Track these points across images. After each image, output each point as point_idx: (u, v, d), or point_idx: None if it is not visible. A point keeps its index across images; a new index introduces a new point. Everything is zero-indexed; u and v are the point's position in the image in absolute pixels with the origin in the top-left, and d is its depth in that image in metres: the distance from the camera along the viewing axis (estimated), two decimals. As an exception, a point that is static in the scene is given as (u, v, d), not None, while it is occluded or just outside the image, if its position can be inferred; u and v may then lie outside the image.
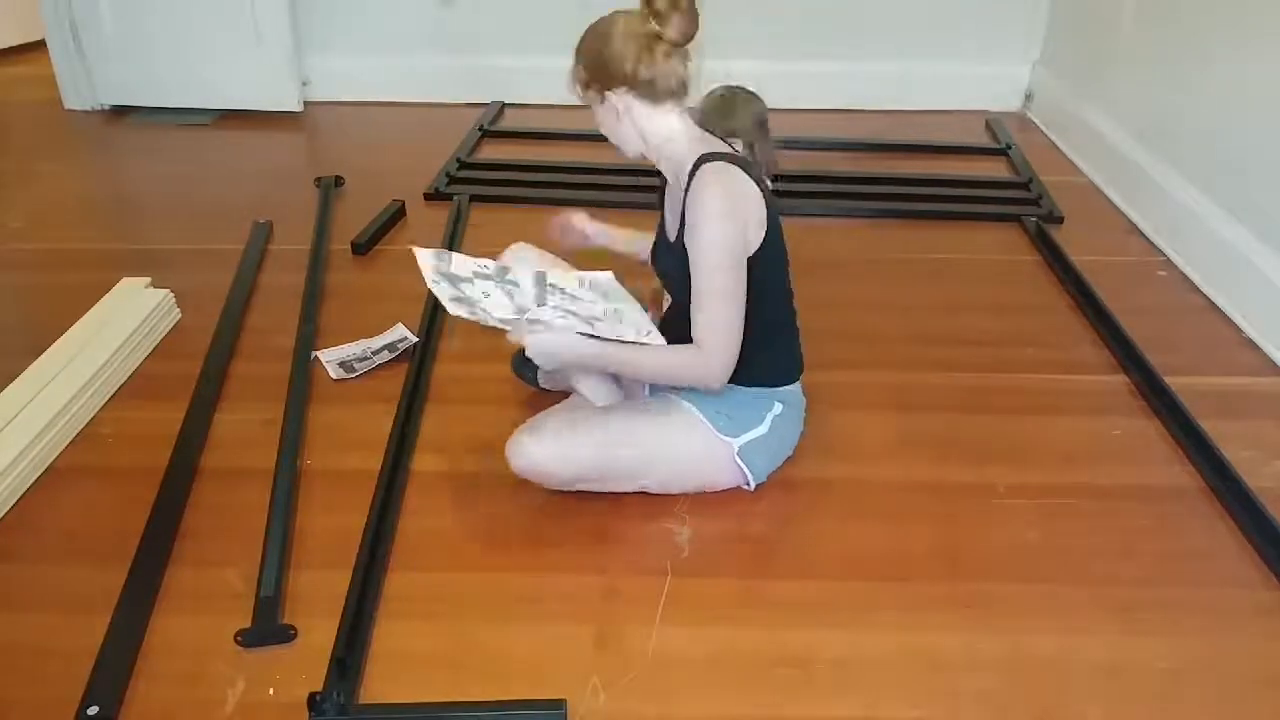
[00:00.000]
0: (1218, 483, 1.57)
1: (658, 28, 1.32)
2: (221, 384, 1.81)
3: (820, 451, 1.63)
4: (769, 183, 1.47)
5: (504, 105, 3.49)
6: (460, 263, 1.40)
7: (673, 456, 1.49)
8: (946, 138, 3.23)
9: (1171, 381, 1.79)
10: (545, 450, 1.43)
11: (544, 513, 1.49)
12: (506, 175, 2.85)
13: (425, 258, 1.42)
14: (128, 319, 1.89)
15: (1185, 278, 2.28)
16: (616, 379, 1.61)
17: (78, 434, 1.66)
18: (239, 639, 1.25)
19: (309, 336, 1.94)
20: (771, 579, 1.38)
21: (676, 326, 1.43)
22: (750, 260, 1.37)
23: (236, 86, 3.36)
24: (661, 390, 1.55)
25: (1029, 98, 3.52)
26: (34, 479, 1.55)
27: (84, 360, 1.75)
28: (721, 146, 1.41)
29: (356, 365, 1.86)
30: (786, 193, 2.72)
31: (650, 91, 1.36)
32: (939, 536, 1.46)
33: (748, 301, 1.39)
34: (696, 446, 1.48)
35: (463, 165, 2.90)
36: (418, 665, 1.23)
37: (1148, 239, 2.48)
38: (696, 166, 1.36)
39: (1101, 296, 2.11)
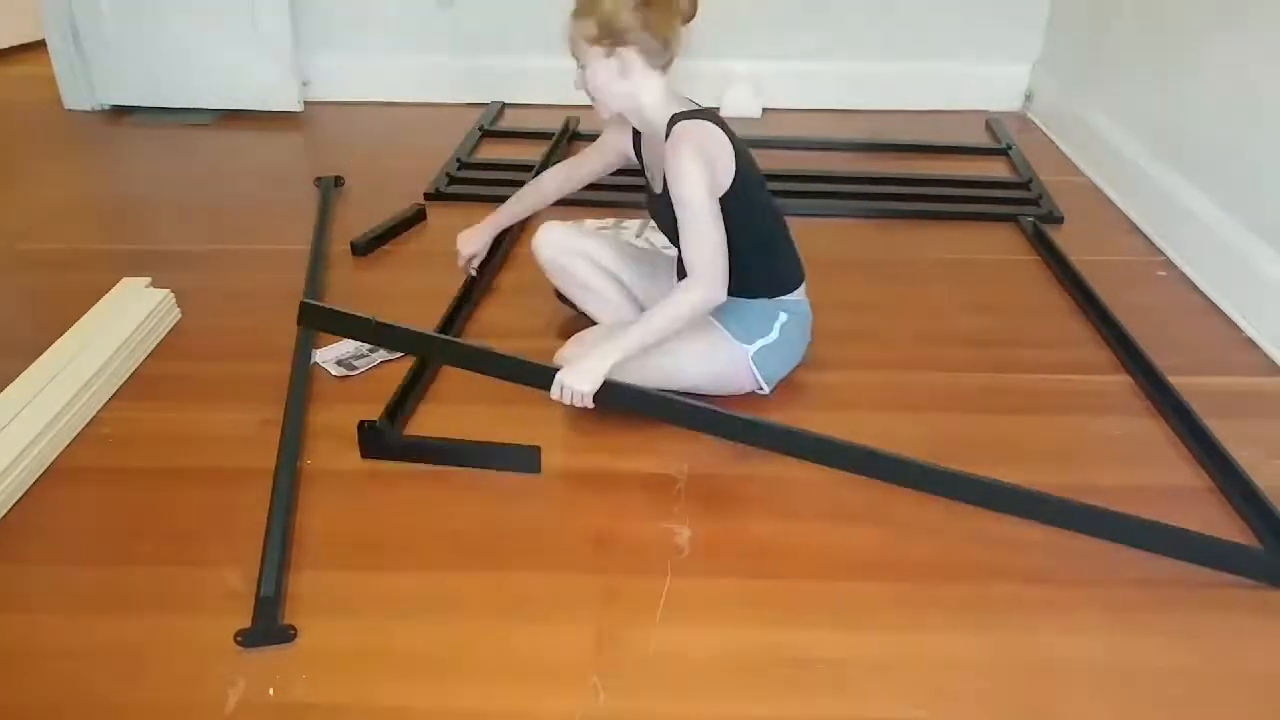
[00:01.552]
0: (1220, 482, 1.58)
1: None
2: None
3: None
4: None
5: (504, 105, 3.49)
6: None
7: (698, 362, 1.66)
8: (946, 138, 3.23)
9: (1172, 381, 1.79)
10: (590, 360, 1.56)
11: (544, 513, 1.49)
12: (506, 175, 2.85)
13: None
14: (128, 319, 1.89)
15: (1185, 277, 2.28)
16: (628, 299, 1.85)
17: (78, 434, 1.66)
18: (239, 639, 1.25)
19: (308, 336, 1.94)
20: (771, 579, 1.38)
21: (681, 269, 1.64)
22: (730, 192, 1.59)
23: (236, 86, 3.36)
24: None
25: (1029, 98, 3.52)
26: (34, 479, 1.55)
27: (84, 360, 1.75)
28: (691, 105, 1.64)
29: (356, 363, 1.86)
30: (787, 192, 2.73)
31: (655, 55, 1.56)
32: (939, 537, 1.46)
33: (741, 223, 1.61)
34: (717, 353, 1.67)
35: (463, 165, 2.90)
36: (418, 665, 1.23)
37: (1148, 239, 2.49)
38: (672, 123, 1.57)
39: (1101, 296, 2.11)
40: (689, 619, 1.30)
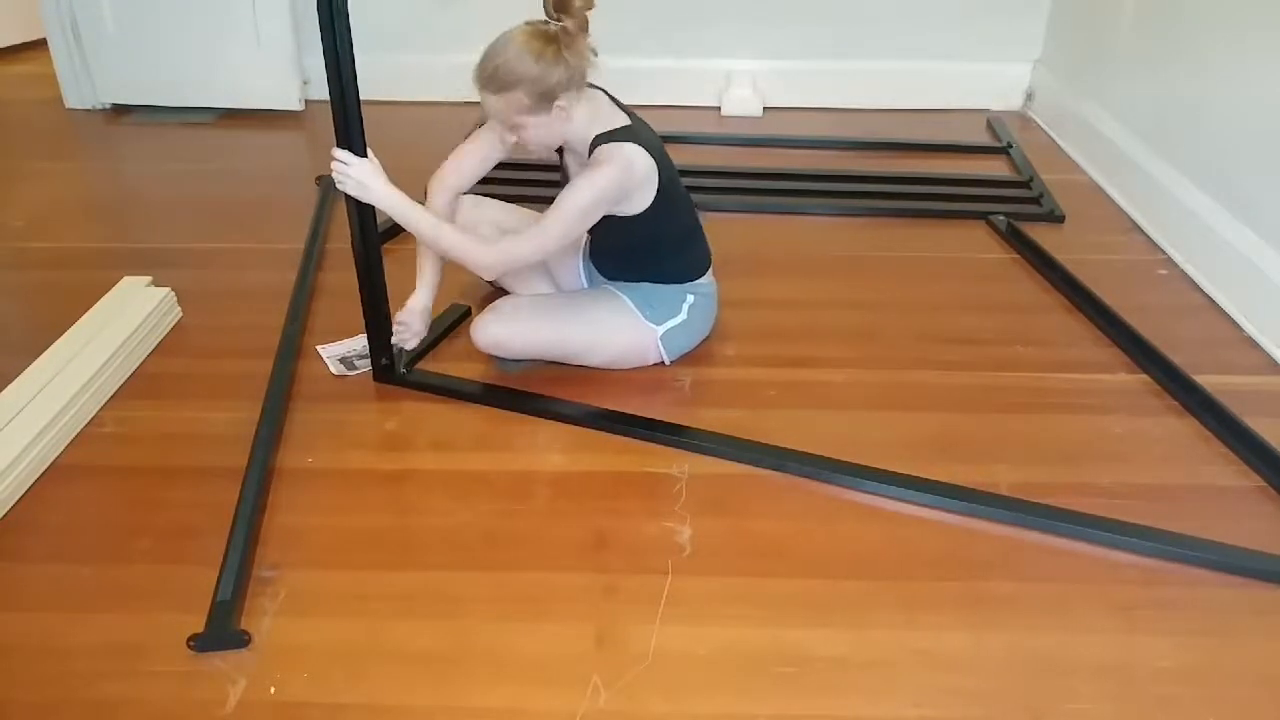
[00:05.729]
0: (1267, 478, 1.58)
1: (560, 23, 1.52)
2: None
3: (820, 451, 1.63)
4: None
5: (504, 104, 3.49)
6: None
7: (610, 338, 1.79)
8: (947, 136, 3.23)
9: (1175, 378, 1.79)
10: (505, 328, 1.74)
11: (544, 512, 1.49)
12: (506, 174, 2.84)
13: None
14: (129, 317, 1.89)
15: (1186, 276, 2.28)
16: (538, 270, 1.94)
17: (79, 433, 1.66)
18: (191, 644, 1.23)
19: (294, 335, 1.94)
20: (772, 578, 1.38)
21: (600, 256, 1.86)
22: (655, 202, 1.66)
23: (237, 85, 3.36)
24: (598, 283, 1.89)
25: (1030, 96, 3.52)
26: (36, 477, 1.55)
27: (85, 359, 1.75)
28: (613, 119, 1.64)
29: (357, 363, 1.87)
30: (788, 191, 2.73)
31: (580, 83, 1.58)
32: (939, 536, 1.46)
33: (665, 222, 1.72)
34: (628, 331, 1.79)
35: (463, 164, 2.90)
36: (418, 664, 1.23)
37: (1148, 237, 2.48)
38: (596, 143, 1.61)
39: (1095, 293, 2.11)
40: (690, 618, 1.30)
